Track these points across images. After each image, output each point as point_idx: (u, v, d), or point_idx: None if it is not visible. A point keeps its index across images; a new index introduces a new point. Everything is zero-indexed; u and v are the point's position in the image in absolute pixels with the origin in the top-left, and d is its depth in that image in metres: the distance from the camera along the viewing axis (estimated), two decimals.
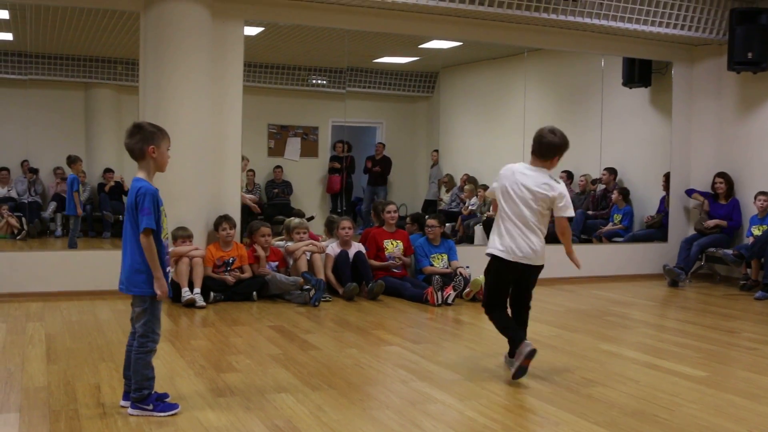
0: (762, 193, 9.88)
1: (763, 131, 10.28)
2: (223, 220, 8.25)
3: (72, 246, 9.61)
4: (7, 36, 9.81)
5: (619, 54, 10.91)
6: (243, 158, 9.35)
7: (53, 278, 8.19)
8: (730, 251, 9.62)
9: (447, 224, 10.74)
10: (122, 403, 4.46)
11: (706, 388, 5.12)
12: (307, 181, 12.46)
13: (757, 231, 9.74)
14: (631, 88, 11.29)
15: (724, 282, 10.46)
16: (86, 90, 10.75)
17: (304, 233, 8.78)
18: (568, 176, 11.70)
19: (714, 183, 10.50)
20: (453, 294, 8.22)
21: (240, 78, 8.71)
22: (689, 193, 10.82)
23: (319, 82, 12.58)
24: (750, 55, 9.79)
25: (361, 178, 12.82)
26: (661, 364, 5.80)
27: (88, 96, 10.81)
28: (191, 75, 8.24)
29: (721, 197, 10.44)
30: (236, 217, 8.61)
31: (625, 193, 11.29)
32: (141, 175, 4.32)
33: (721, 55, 10.40)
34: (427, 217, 9.58)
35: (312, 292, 7.93)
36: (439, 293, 8.15)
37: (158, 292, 4.26)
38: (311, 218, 10.64)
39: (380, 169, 12.60)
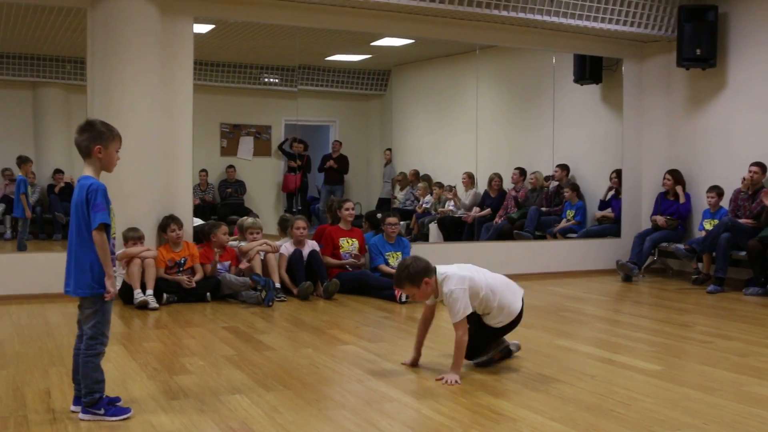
0: (713, 188, 9.98)
1: (712, 126, 10.40)
2: (171, 221, 8.13)
3: (21, 249, 9.44)
4: None
5: (569, 51, 10.98)
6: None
7: (1, 282, 8.00)
8: (682, 246, 9.72)
9: (402, 222, 10.73)
10: (73, 408, 4.35)
11: (661, 382, 5.14)
12: (261, 180, 12.37)
13: (708, 225, 9.84)
14: (582, 84, 11.37)
15: (676, 276, 10.58)
16: (34, 89, 10.57)
17: (258, 233, 8.69)
18: (521, 173, 11.75)
19: (663, 179, 10.62)
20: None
21: (190, 76, 8.59)
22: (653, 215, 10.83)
23: (271, 80, 12.49)
24: (698, 51, 9.93)
25: (316, 177, 12.76)
26: (616, 358, 5.83)
27: (36, 95, 10.62)
28: (140, 73, 8.11)
29: (671, 193, 10.55)
30: (187, 216, 8.50)
31: (575, 189, 11.34)
32: (88, 172, 4.21)
33: (671, 51, 10.51)
34: (379, 215, 9.53)
35: (263, 293, 7.85)
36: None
37: (111, 290, 4.15)
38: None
39: (337, 166, 12.54)
